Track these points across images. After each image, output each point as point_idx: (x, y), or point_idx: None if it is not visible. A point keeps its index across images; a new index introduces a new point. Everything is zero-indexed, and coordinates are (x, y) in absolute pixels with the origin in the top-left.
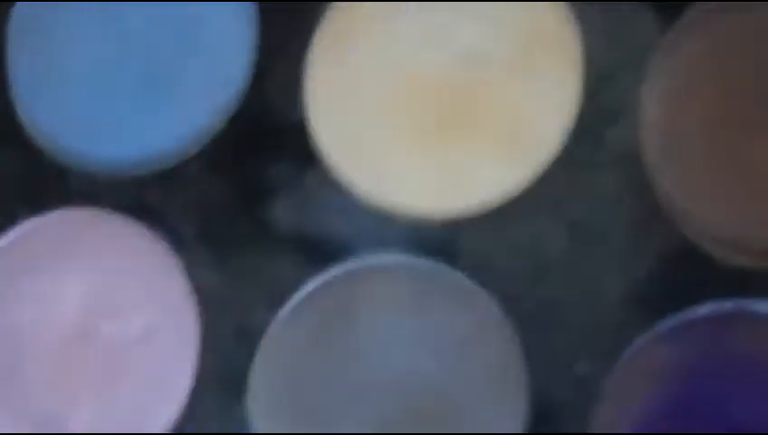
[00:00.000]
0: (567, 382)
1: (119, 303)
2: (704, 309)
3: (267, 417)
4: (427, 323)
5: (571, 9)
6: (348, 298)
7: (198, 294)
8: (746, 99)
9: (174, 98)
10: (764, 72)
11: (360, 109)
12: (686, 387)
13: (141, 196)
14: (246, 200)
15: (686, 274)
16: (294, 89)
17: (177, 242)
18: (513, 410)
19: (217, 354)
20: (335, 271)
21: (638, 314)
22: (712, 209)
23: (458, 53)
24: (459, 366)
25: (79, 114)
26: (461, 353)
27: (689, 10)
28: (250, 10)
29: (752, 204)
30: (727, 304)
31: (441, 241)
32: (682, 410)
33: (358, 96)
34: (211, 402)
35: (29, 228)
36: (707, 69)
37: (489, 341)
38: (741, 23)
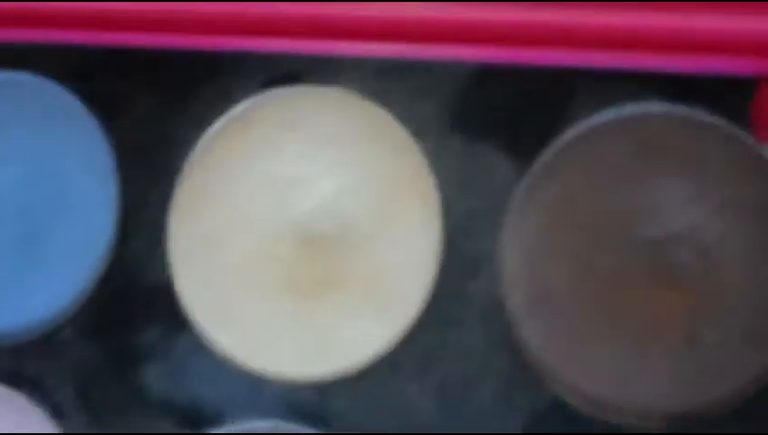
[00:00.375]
0: None
1: None
2: None
3: None
4: None
5: (427, 157)
6: None
7: None
8: (610, 246)
9: (43, 263)
10: (620, 215)
11: (224, 268)
12: None
13: (18, 364)
14: (119, 365)
15: (556, 430)
16: (158, 249)
17: (56, 409)
18: None
19: None
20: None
21: None
22: (580, 367)
23: (319, 207)
24: None
25: None
26: None
27: (542, 155)
28: (111, 169)
29: (622, 362)
30: None
31: (313, 404)
32: None
33: (221, 255)
34: None
35: None
36: (565, 216)
37: None
38: (592, 167)
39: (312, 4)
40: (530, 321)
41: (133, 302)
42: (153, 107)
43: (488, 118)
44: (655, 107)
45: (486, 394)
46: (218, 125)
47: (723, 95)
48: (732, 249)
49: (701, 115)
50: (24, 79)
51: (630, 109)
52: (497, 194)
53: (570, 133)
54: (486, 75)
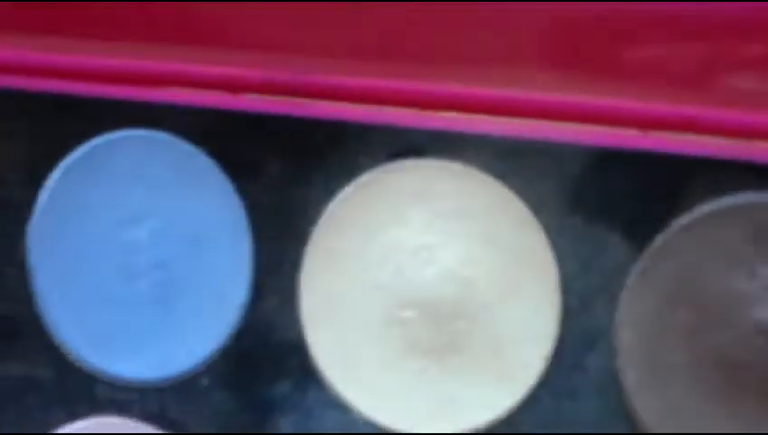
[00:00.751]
0: None
1: None
2: None
3: None
4: None
5: (546, 234)
6: None
7: None
8: (723, 327)
9: (181, 317)
10: (733, 297)
11: (355, 326)
12: None
13: (162, 405)
14: (253, 415)
15: None
16: (290, 306)
17: None
18: None
19: None
20: None
21: None
22: None
23: (441, 275)
24: None
25: (97, 331)
26: None
27: (660, 235)
28: (244, 229)
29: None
30: None
31: None
32: None
33: (351, 313)
34: None
35: None
36: (679, 296)
37: None
38: (706, 250)
39: (438, 83)
40: (643, 395)
41: (266, 357)
42: (282, 172)
43: (605, 200)
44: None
45: None
46: (346, 192)
47: None
48: None
49: None
50: (162, 137)
51: (745, 196)
52: (613, 272)
53: (685, 217)
54: (605, 158)
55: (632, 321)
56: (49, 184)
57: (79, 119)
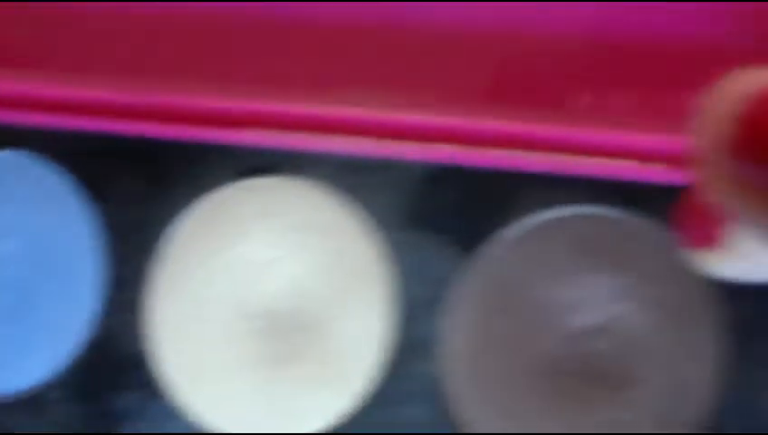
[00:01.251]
0: None
1: None
2: None
3: None
4: None
5: (383, 247)
6: None
7: None
8: (542, 336)
9: (32, 332)
10: (551, 307)
11: (200, 339)
12: None
13: (8, 421)
14: (100, 426)
15: None
16: (138, 321)
17: None
18: None
19: None
20: None
21: None
22: None
23: (284, 289)
24: None
25: None
26: None
27: (485, 247)
28: (99, 245)
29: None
30: None
31: None
32: None
33: (197, 327)
34: None
35: None
36: (501, 306)
37: None
38: (527, 262)
39: (282, 104)
40: (468, 400)
41: (114, 370)
42: (134, 191)
43: (438, 214)
44: (590, 209)
45: None
46: (195, 211)
47: (657, 201)
48: (649, 342)
49: (630, 218)
50: (22, 158)
51: (566, 210)
52: (442, 283)
53: (509, 230)
54: (439, 175)
55: (458, 329)
56: None
57: None
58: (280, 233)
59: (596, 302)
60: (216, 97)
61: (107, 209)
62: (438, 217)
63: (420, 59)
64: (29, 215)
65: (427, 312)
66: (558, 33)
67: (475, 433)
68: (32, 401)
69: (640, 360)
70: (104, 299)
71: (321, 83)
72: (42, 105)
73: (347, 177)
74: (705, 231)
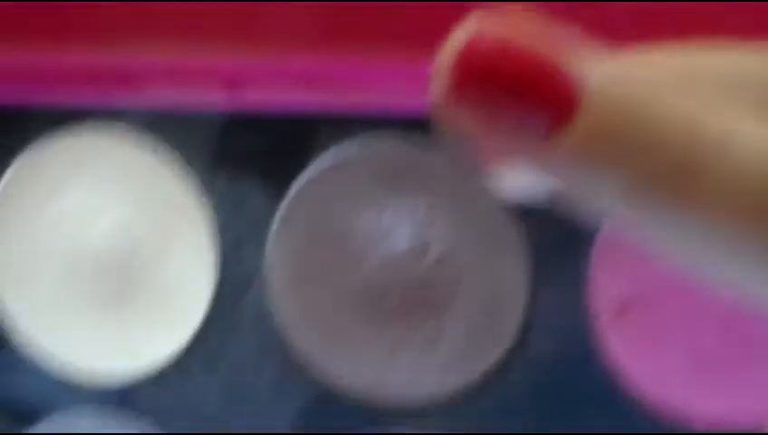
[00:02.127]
0: None
1: None
2: None
3: None
4: None
5: (198, 191)
6: None
7: None
8: (359, 263)
9: None
10: (364, 235)
11: (37, 286)
12: None
13: None
14: None
15: (322, 420)
16: None
17: None
18: None
19: None
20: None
21: None
22: (342, 367)
23: (108, 236)
24: None
25: None
26: None
27: (293, 185)
28: None
29: (377, 362)
30: None
31: (120, 400)
32: None
33: (34, 274)
34: None
35: None
36: (316, 239)
37: None
38: (336, 195)
39: (94, 56)
40: (296, 329)
41: None
42: None
43: (245, 158)
44: (391, 141)
45: (263, 390)
46: (15, 168)
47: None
48: (459, 262)
49: (430, 146)
50: None
51: (370, 143)
52: (259, 221)
53: (313, 168)
54: (245, 120)
55: (280, 263)
56: None
57: None
58: (98, 184)
59: (406, 228)
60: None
61: None
62: (245, 161)
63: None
64: None
65: (249, 249)
66: None
67: None
68: None
69: (454, 280)
70: None
71: (123, 33)
72: None
73: (158, 129)
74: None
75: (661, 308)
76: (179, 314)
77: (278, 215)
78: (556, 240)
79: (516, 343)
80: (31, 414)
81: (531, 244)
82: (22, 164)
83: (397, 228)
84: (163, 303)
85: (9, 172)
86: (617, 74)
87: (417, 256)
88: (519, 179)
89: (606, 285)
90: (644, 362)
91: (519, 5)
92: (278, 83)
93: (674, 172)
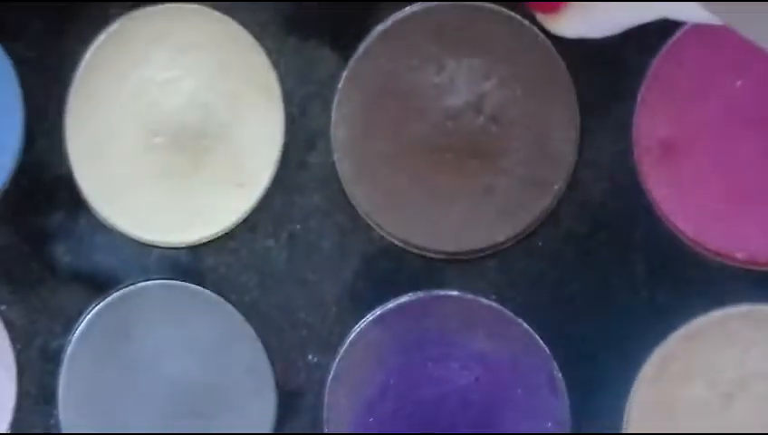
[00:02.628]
0: (303, 371)
1: None
2: (402, 298)
3: (78, 420)
4: (185, 334)
5: (268, 55)
6: (123, 319)
7: (8, 328)
8: (419, 118)
9: None
10: (425, 90)
11: (115, 157)
12: (398, 360)
13: None
14: (32, 246)
15: (384, 271)
16: (59, 146)
17: None
18: (263, 397)
19: (31, 375)
20: (110, 298)
21: (351, 308)
22: (399, 219)
23: (184, 103)
24: (215, 365)
25: None
26: (215, 355)
27: (361, 43)
28: (15, 82)
29: (432, 213)
30: (419, 293)
31: (189, 265)
32: (399, 378)
33: (111, 146)
34: (32, 414)
35: None
36: (381, 95)
37: (236, 343)
38: (400, 52)
39: None
40: (358, 183)
41: (40, 193)
42: (43, 28)
43: (314, 19)
44: (447, 2)
45: (327, 245)
46: (99, 40)
47: None
48: (513, 114)
49: (487, 5)
50: None
51: (428, 3)
52: (326, 81)
53: (379, 27)
54: None
55: (344, 120)
56: None
57: None
58: (176, 54)
59: (462, 84)
60: None
61: (19, 48)
62: (314, 22)
63: None
64: None
65: (316, 108)
66: None
67: None
68: None
69: (507, 130)
70: (25, 131)
71: None
72: None
73: None
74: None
75: (701, 150)
76: (248, 178)
77: (344, 74)
78: (602, 87)
79: (566, 189)
80: (105, 283)
81: (579, 92)
82: (108, 35)
83: (452, 86)
84: (233, 169)
85: (95, 42)
86: None
87: (474, 110)
88: (566, 30)
89: (649, 129)
90: (685, 201)
91: None
92: None
93: None
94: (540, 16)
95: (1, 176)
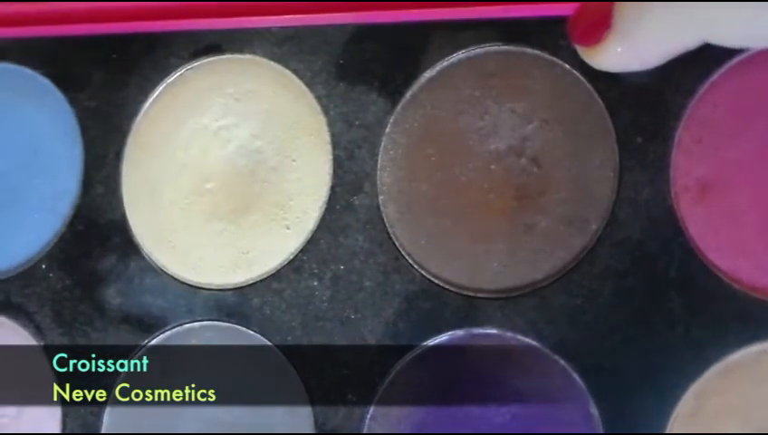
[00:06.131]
0: (342, 411)
1: None
2: (442, 337)
3: None
4: (230, 377)
5: (318, 102)
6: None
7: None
8: (462, 160)
9: (23, 214)
10: (469, 134)
11: (166, 202)
12: (436, 399)
13: (5, 294)
14: (84, 289)
15: (424, 311)
16: (114, 193)
17: (36, 328)
18: None
19: (75, 413)
20: (156, 339)
21: (391, 347)
22: (442, 259)
23: (237, 150)
24: (257, 405)
25: None
26: (258, 397)
27: (408, 90)
28: (76, 132)
29: (474, 252)
30: (459, 332)
31: (235, 306)
32: (436, 417)
33: (162, 194)
34: None
35: None
36: (427, 139)
37: (278, 383)
38: (445, 98)
39: None
40: (401, 225)
41: (94, 238)
42: (105, 81)
43: (363, 67)
44: (493, 47)
45: (370, 284)
46: (157, 91)
47: (548, 34)
48: (553, 156)
49: (529, 51)
50: (6, 67)
51: (474, 49)
52: (373, 126)
53: (426, 74)
54: (360, 34)
55: (390, 163)
56: None
57: None
58: (230, 103)
59: (505, 128)
60: None
61: (81, 100)
62: (363, 70)
63: None
64: (10, 114)
65: (363, 152)
66: None
67: None
68: (23, 275)
69: (547, 172)
70: (83, 178)
71: None
72: (15, 21)
73: (283, 47)
74: (593, 27)
75: (737, 188)
76: (295, 221)
77: (391, 119)
78: (640, 127)
79: (604, 227)
80: (153, 325)
81: (617, 133)
82: (166, 86)
83: (497, 129)
84: (281, 211)
85: (154, 93)
86: None
87: (516, 153)
88: (608, 63)
89: (687, 168)
90: (721, 238)
91: None
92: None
93: None
94: (582, 51)
95: (57, 221)
